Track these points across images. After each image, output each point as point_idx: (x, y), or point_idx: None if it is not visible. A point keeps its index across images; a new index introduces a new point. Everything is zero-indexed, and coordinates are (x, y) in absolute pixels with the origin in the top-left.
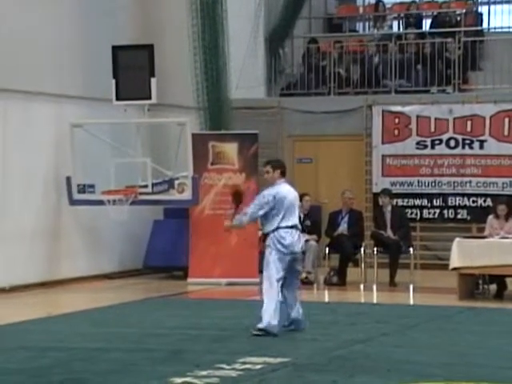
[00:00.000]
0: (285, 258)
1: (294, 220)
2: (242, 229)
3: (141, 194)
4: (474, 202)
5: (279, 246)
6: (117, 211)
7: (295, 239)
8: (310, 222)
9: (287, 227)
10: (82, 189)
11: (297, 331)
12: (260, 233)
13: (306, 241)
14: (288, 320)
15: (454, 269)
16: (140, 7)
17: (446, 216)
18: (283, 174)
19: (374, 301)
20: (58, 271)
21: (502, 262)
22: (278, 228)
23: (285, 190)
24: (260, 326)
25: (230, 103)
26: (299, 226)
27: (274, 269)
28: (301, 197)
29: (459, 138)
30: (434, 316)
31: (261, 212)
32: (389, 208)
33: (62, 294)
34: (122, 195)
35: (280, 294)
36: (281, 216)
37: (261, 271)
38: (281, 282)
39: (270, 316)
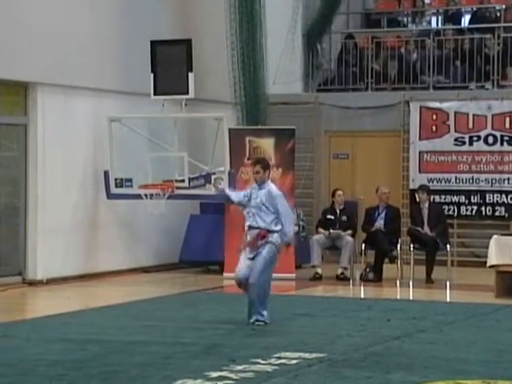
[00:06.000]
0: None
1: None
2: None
3: (178, 188)
4: None
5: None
6: (154, 205)
7: None
8: (346, 218)
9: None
10: (120, 183)
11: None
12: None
13: (340, 236)
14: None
15: (492, 266)
16: (179, 2)
17: (483, 213)
18: (269, 175)
19: (411, 297)
20: (96, 264)
21: None
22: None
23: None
24: (261, 318)
25: (267, 98)
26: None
27: (273, 264)
28: (333, 192)
29: (498, 134)
30: (470, 313)
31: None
32: (426, 204)
33: (99, 286)
34: (159, 189)
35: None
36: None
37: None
38: None
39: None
